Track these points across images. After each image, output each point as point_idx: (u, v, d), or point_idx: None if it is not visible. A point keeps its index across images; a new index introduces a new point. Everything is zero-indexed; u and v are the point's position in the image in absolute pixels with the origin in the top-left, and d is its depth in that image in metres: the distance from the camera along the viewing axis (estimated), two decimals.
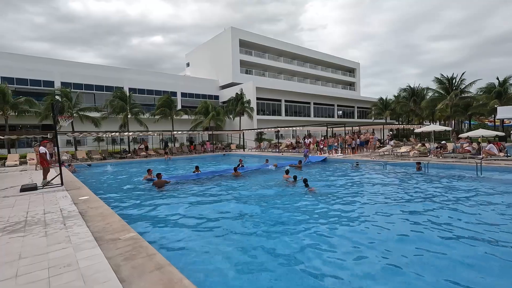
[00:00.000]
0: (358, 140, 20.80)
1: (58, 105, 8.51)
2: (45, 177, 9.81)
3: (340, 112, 54.56)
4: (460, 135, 16.93)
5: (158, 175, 10.54)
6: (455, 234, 5.16)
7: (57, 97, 24.95)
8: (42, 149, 9.62)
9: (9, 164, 18.48)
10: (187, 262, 4.22)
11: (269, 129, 30.01)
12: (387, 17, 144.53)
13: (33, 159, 19.26)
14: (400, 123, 51.54)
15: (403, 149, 17.52)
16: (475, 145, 15.03)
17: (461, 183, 9.94)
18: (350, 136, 19.64)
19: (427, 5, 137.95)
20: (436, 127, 20.32)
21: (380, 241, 4.91)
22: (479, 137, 17.52)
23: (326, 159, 17.56)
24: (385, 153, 18.67)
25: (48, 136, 20.01)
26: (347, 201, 7.86)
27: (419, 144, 17.54)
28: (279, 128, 26.20)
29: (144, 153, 24.10)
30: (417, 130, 20.90)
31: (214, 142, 33.24)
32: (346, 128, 24.30)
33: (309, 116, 48.91)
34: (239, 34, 44.23)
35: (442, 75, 35.62)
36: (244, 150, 30.27)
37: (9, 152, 22.73)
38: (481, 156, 13.69)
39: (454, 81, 34.94)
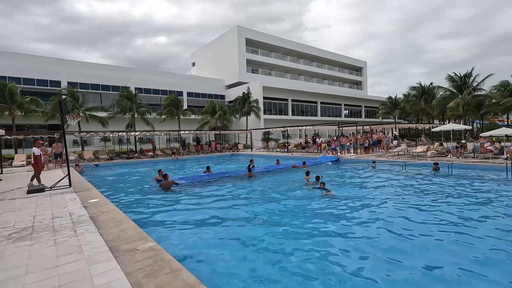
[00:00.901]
0: (370, 139, 20.18)
1: (65, 103, 8.10)
2: (33, 179, 9.27)
3: (346, 111, 53.77)
4: (481, 134, 16.25)
5: (165, 176, 10.10)
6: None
7: (63, 96, 24.74)
8: (36, 151, 9.19)
9: (16, 164, 18.25)
10: (212, 275, 3.76)
11: (277, 129, 29.48)
12: (392, 16, 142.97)
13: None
14: (409, 122, 50.58)
15: (419, 149, 16.88)
16: (497, 144, 14.36)
17: (500, 186, 9.07)
18: (363, 136, 19.04)
19: (432, 3, 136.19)
20: (455, 126, 19.60)
21: (421, 255, 4.37)
22: (496, 136, 16.82)
23: (339, 159, 17.01)
24: (399, 152, 18.05)
25: (56, 136, 19.79)
26: (371, 205, 7.32)
27: (436, 144, 16.88)
28: (287, 128, 25.66)
29: (151, 153, 23.77)
30: (435, 129, 20.20)
31: (221, 142, 32.84)
32: (356, 127, 23.73)
33: (316, 115, 48.27)
34: (246, 32, 43.78)
35: (455, 73, 34.73)
36: (251, 150, 29.80)
37: (16, 152, 22.58)
38: (504, 156, 13.04)
39: (467, 79, 33.98)
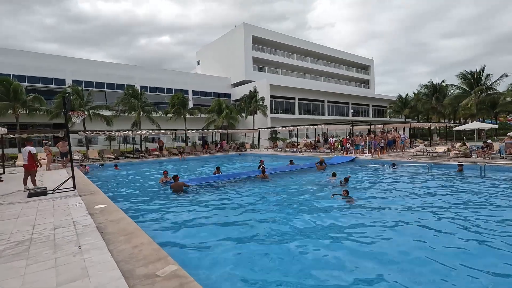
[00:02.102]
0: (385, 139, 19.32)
1: (69, 99, 7.42)
2: (26, 182, 8.83)
3: (353, 110, 52.74)
4: (509, 134, 15.34)
5: (175, 177, 9.39)
6: None
7: (67, 94, 24.21)
8: (33, 149, 8.63)
9: (19, 164, 17.69)
10: None
11: (288, 128, 28.69)
12: (396, 15, 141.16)
13: (44, 159, 18.50)
14: (418, 121, 49.47)
15: (439, 149, 16.01)
16: None
17: None
18: (379, 135, 18.19)
19: (437, 2, 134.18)
20: (480, 124, 18.66)
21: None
22: None
23: (354, 160, 16.21)
24: (417, 153, 17.20)
25: (60, 135, 19.21)
26: (403, 212, 6.50)
27: (459, 144, 15.99)
28: (297, 127, 24.89)
29: (157, 152, 23.14)
30: (457, 128, 19.26)
31: (228, 141, 32.15)
32: (369, 126, 22.86)
33: (323, 114, 47.35)
34: (252, 30, 43.00)
35: (466, 70, 33.65)
36: (259, 150, 29.05)
37: (19, 152, 22.07)
38: None
39: (479, 76, 32.86)
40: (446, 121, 44.42)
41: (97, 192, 7.99)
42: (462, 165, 11.77)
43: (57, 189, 8.10)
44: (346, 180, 9.43)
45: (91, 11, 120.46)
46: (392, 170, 12.93)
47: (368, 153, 17.79)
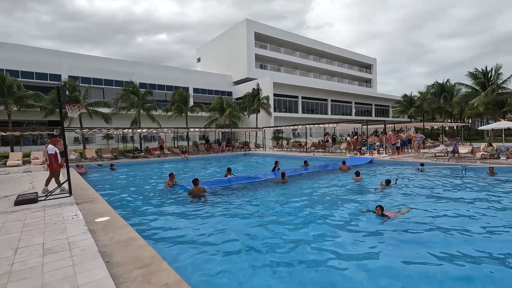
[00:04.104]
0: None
1: (64, 91, 6.20)
2: (48, 183, 7.81)
3: (355, 110, 51.80)
4: None
5: (195, 181, 8.17)
6: None
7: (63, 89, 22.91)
8: (50, 149, 7.57)
9: (11, 164, 16.45)
10: None
11: (293, 127, 27.59)
12: (395, 15, 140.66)
13: (38, 158, 17.25)
14: (421, 120, 48.65)
15: (463, 149, 15.01)
16: None
17: None
18: (395, 134, 17.17)
19: (436, 2, 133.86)
20: (508, 123, 17.67)
21: None
22: None
23: (372, 161, 15.17)
24: (436, 154, 16.19)
25: (55, 133, 17.98)
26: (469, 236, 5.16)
27: (484, 144, 15.00)
28: (307, 126, 23.82)
29: (158, 152, 21.95)
30: (483, 128, 18.28)
31: (231, 141, 31.02)
32: (384, 125, 21.90)
33: (326, 113, 46.37)
34: (255, 26, 41.85)
35: (477, 69, 32.80)
36: (264, 150, 27.95)
37: (12, 150, 20.77)
38: None
39: (490, 75, 32.04)
40: (452, 120, 43.69)
41: (97, 199, 6.84)
42: (493, 168, 10.79)
43: (50, 194, 6.94)
44: (388, 182, 8.36)
45: (88, 8, 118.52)
46: (418, 171, 11.86)
47: (385, 153, 16.76)
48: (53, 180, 7.75)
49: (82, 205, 6.15)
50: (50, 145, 7.76)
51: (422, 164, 12.28)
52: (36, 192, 7.14)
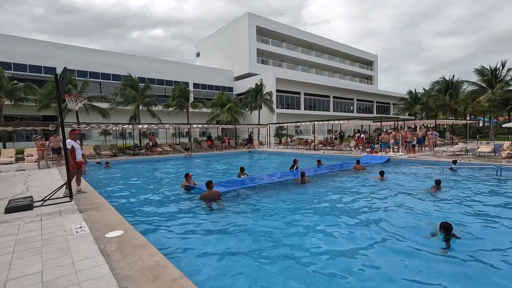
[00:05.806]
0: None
1: (64, 76, 5.19)
2: (78, 183, 7.20)
3: (357, 107, 51.07)
4: None
5: (209, 184, 7.22)
6: None
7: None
8: (68, 143, 6.77)
9: (3, 161, 15.36)
10: None
11: (296, 123, 26.76)
12: (392, 13, 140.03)
13: (32, 155, 16.13)
14: (425, 117, 48.13)
15: (483, 148, 14.28)
16: None
17: None
18: (411, 132, 16.37)
19: (431, 1, 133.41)
20: None
21: None
22: None
23: (389, 159, 14.36)
24: (455, 152, 15.44)
25: (50, 128, 16.88)
26: None
27: (508, 143, 14.27)
28: (315, 122, 22.99)
29: (160, 149, 20.93)
30: (507, 125, 17.58)
31: (235, 137, 30.07)
32: (395, 123, 21.11)
33: (328, 110, 45.58)
34: (257, 20, 40.69)
35: (484, 66, 32.17)
36: (268, 147, 27.05)
37: (4, 147, 19.59)
38: None
39: (498, 72, 31.43)
40: (458, 118, 43.19)
41: (103, 205, 5.86)
42: None
43: (48, 199, 5.97)
44: (438, 183, 7.43)
45: (82, 2, 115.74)
46: (451, 171, 10.91)
47: (402, 151, 15.97)
48: (63, 178, 6.78)
49: (87, 213, 5.19)
50: (69, 139, 6.86)
51: (454, 162, 11.14)
52: (31, 196, 6.14)
